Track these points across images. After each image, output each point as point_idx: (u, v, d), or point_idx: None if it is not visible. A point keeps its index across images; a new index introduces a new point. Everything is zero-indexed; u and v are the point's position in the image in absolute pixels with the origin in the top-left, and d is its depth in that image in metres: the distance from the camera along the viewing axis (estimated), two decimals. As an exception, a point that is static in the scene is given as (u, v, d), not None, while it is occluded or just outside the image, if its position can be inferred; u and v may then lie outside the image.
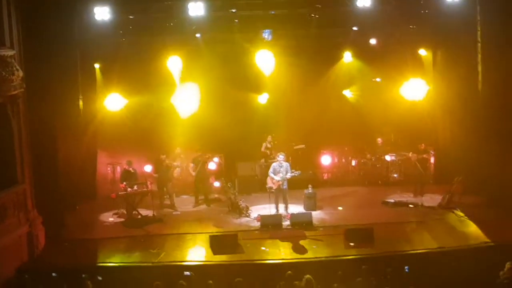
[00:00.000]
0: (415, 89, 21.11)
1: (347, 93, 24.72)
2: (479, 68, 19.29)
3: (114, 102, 21.75)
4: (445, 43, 21.40)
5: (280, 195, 18.89)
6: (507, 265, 12.77)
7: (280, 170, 18.70)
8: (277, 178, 18.65)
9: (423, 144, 20.88)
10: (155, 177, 21.02)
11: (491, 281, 12.36)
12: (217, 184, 22.38)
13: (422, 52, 22.98)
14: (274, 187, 18.74)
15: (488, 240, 16.08)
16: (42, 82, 17.17)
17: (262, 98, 24.67)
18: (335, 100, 24.39)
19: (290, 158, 21.97)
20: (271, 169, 19.02)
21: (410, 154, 21.05)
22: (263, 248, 16.58)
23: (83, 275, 13.63)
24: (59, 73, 18.06)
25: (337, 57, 24.15)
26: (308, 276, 12.78)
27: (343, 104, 24.41)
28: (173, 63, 23.00)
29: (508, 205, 18.00)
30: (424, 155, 20.79)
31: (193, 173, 21.05)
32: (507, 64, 17.56)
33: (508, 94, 17.98)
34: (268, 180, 18.97)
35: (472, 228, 17.21)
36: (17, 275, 14.96)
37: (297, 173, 18.89)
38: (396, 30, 22.39)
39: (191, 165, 21.28)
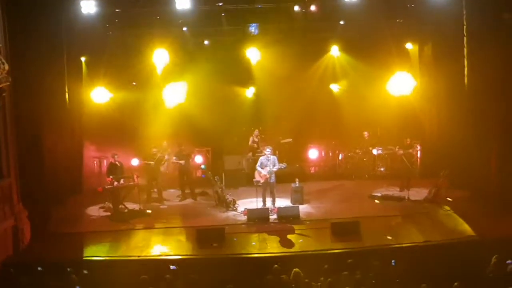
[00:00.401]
0: (402, 84, 21.12)
1: (334, 87, 24.79)
2: (465, 62, 19.34)
3: (100, 95, 21.73)
4: (432, 37, 21.49)
5: (267, 188, 18.87)
6: (493, 259, 12.85)
7: (267, 164, 18.67)
8: (264, 172, 18.63)
9: (408, 139, 20.91)
10: (144, 171, 20.93)
11: (477, 275, 12.40)
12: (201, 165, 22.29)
13: (409, 46, 23.06)
14: (262, 180, 18.73)
15: (473, 234, 16.15)
16: (28, 76, 17.07)
17: (249, 92, 24.71)
18: (322, 94, 24.44)
19: (277, 152, 22.00)
20: (258, 163, 19.00)
21: (396, 149, 21.07)
22: (254, 243, 16.55)
23: (69, 269, 13.58)
24: (45, 67, 17.96)
25: (324, 51, 24.22)
26: (296, 269, 12.83)
27: (330, 98, 24.47)
28: (159, 56, 22.98)
29: (493, 200, 18.09)
30: (410, 150, 20.80)
31: (181, 162, 20.92)
32: (493, 58, 17.60)
33: (494, 88, 18.02)
34: (256, 174, 18.95)
35: (458, 222, 17.25)
36: (2, 268, 14.84)
37: (283, 166, 18.85)
38: (383, 24, 22.41)
39: (174, 158, 21.26)
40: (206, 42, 23.67)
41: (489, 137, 18.54)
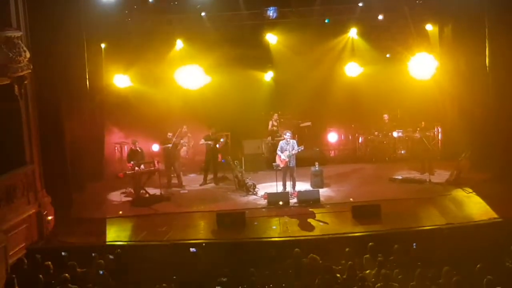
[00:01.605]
0: (423, 66, 20.98)
1: (353, 70, 24.61)
2: (487, 43, 19.16)
3: (120, 81, 21.82)
4: (452, 17, 21.26)
5: (287, 173, 18.90)
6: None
7: (287, 148, 18.67)
8: (283, 156, 18.65)
9: (423, 122, 20.78)
10: (163, 156, 21.03)
11: (500, 256, 12.35)
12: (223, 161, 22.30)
13: (429, 27, 22.85)
14: (282, 165, 18.75)
15: (496, 216, 16.04)
16: (49, 63, 17.14)
17: (268, 76, 24.67)
18: (340, 77, 24.31)
19: (296, 136, 22.00)
20: (278, 147, 19.02)
21: (416, 134, 20.98)
22: (274, 227, 16.60)
23: (93, 254, 13.73)
24: (66, 54, 18.04)
25: (343, 34, 24.08)
26: (312, 254, 12.84)
27: (349, 81, 24.34)
28: (180, 42, 23.08)
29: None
30: (427, 133, 20.64)
31: (209, 142, 20.92)
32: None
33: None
34: (276, 158, 18.98)
35: (480, 204, 17.16)
36: (27, 254, 15.05)
37: (300, 148, 18.78)
38: (402, 5, 22.26)
39: (202, 140, 21.24)
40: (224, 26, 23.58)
41: (511, 118, 18.37)
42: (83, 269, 13.15)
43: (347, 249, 13.25)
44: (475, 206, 17.10)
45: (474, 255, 12.09)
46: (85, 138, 19.95)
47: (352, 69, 23.71)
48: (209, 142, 20.98)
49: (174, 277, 12.50)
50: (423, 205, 17.65)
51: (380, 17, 23.04)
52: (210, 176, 21.22)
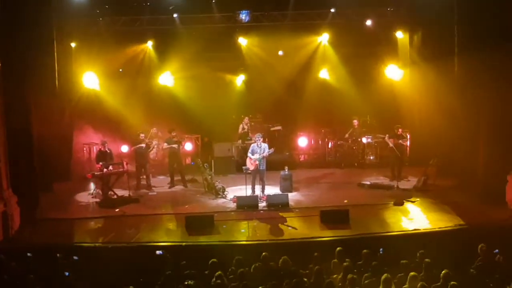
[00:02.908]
0: (392, 72, 21.11)
1: (324, 74, 24.78)
2: (456, 51, 19.38)
3: (90, 81, 21.67)
4: (422, 26, 21.49)
5: (257, 176, 18.92)
6: (480, 247, 12.95)
7: (258, 151, 18.70)
8: (253, 157, 18.66)
9: (400, 129, 20.93)
10: (133, 157, 20.89)
11: (465, 263, 12.49)
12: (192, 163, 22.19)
13: (399, 34, 23.06)
14: (252, 167, 18.76)
15: (461, 222, 16.21)
16: (18, 61, 16.96)
17: (239, 79, 24.70)
18: (312, 81, 24.45)
19: (267, 140, 22.05)
20: (249, 150, 19.03)
21: (386, 138, 21.06)
22: (243, 230, 16.57)
23: (58, 255, 13.58)
24: (35, 53, 17.87)
25: (315, 39, 24.20)
26: (284, 257, 12.88)
27: (320, 85, 24.47)
28: (150, 44, 23.01)
29: (480, 188, 18.20)
30: (400, 141, 20.81)
31: (174, 146, 20.78)
32: (484, 48, 17.62)
33: (483, 78, 18.07)
34: (247, 161, 18.98)
35: (446, 211, 17.32)
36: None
37: (270, 151, 18.78)
38: (373, 12, 22.43)
39: (165, 144, 21.16)
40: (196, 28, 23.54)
41: (477, 127, 18.58)
42: (48, 270, 13.01)
43: (315, 254, 13.28)
44: (441, 213, 17.24)
45: (439, 261, 12.20)
46: (53, 138, 19.77)
47: (324, 74, 23.84)
48: (174, 145, 20.86)
49: (141, 279, 12.41)
50: (391, 211, 17.76)
51: (369, 22, 23.05)
52: (177, 178, 21.13)
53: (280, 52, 24.89)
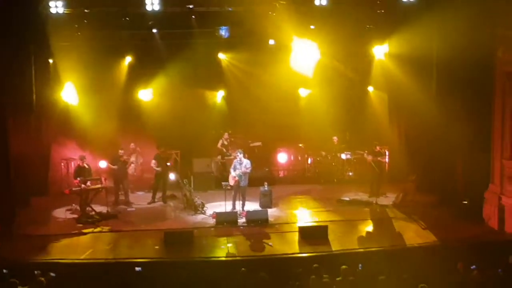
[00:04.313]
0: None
1: (303, 91, 24.84)
2: (434, 69, 19.56)
3: (68, 96, 21.54)
4: (399, 41, 21.58)
5: (238, 192, 18.91)
6: (459, 265, 13.05)
7: (239, 168, 18.72)
8: (234, 173, 18.66)
9: (377, 146, 21.02)
10: (111, 173, 20.78)
11: (442, 279, 12.54)
12: (172, 177, 22.08)
13: (377, 50, 23.09)
14: (232, 183, 18.75)
15: (439, 239, 16.31)
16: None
17: (219, 95, 24.69)
18: (291, 98, 24.50)
19: (246, 155, 21.99)
20: (232, 166, 19.07)
21: (365, 155, 21.15)
22: (222, 246, 16.51)
23: (36, 272, 13.43)
24: (12, 68, 17.78)
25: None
26: (262, 273, 12.86)
27: (299, 102, 24.53)
28: (129, 59, 23.02)
29: (458, 204, 18.35)
30: (379, 158, 20.90)
31: (158, 169, 20.77)
32: (461, 64, 17.80)
33: (461, 94, 18.27)
34: (230, 177, 18.99)
35: (424, 227, 17.42)
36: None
37: (248, 167, 18.82)
38: (353, 29, 22.53)
39: (153, 161, 21.05)
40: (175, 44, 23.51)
41: (456, 143, 18.74)
42: (25, 286, 12.87)
43: (294, 270, 13.26)
44: (419, 229, 17.34)
45: (418, 277, 12.24)
46: (30, 153, 19.63)
47: (303, 91, 23.92)
48: (158, 169, 20.77)
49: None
50: (370, 227, 17.84)
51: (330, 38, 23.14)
52: (158, 195, 21.06)
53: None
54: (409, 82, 20.64)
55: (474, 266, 12.98)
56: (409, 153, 21.26)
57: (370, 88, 23.90)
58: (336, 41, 22.38)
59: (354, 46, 22.97)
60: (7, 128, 17.85)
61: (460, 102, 18.29)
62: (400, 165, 21.79)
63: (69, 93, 21.57)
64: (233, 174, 18.69)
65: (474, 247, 15.15)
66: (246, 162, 18.83)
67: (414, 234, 16.90)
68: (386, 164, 22.41)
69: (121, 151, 20.66)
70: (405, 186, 19.91)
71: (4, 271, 13.78)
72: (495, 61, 17.32)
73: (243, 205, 19.03)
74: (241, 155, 18.96)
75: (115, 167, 20.40)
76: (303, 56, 20.60)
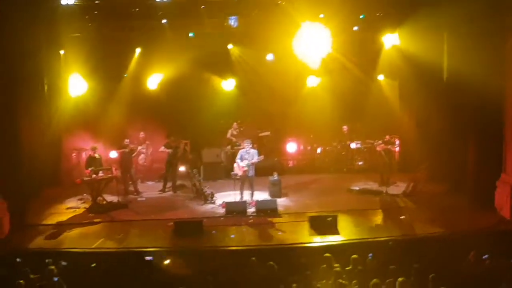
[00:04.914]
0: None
1: (313, 80, 24.75)
2: (445, 57, 19.46)
3: (78, 87, 21.61)
4: (410, 29, 21.50)
5: (245, 182, 18.93)
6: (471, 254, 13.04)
7: (246, 157, 18.70)
8: (242, 163, 18.67)
9: (387, 136, 20.99)
10: (118, 162, 20.88)
11: (453, 269, 12.54)
12: (182, 169, 22.17)
13: (387, 39, 23.02)
14: (240, 173, 18.76)
15: (451, 228, 16.25)
16: (6, 69, 16.93)
17: (228, 85, 24.66)
18: (301, 87, 24.46)
19: (255, 145, 22.00)
20: (238, 156, 19.03)
21: (375, 144, 21.12)
22: (232, 236, 16.54)
23: (47, 260, 13.55)
24: (24, 59, 17.82)
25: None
26: (270, 262, 12.90)
27: (309, 91, 24.48)
28: (139, 49, 23.07)
29: (470, 193, 18.29)
30: (389, 147, 20.88)
31: (168, 150, 20.85)
32: (473, 52, 17.70)
33: (472, 82, 18.14)
34: (235, 167, 18.98)
35: (435, 216, 17.37)
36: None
37: (260, 158, 18.82)
38: (362, 18, 22.46)
39: (162, 147, 21.14)
40: (191, 34, 23.49)
41: (467, 131, 18.67)
42: (37, 275, 12.98)
43: (303, 259, 13.29)
44: (430, 218, 17.30)
45: (429, 266, 12.24)
46: (42, 144, 19.71)
47: (312, 80, 23.85)
48: (169, 150, 20.90)
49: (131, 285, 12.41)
50: (380, 216, 17.84)
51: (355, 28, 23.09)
52: (169, 184, 21.14)
53: (270, 56, 24.77)
54: (420, 70, 20.58)
55: (486, 256, 12.96)
56: (420, 142, 21.17)
57: (380, 77, 23.77)
58: (346, 30, 22.36)
59: (364, 35, 22.89)
60: (19, 119, 17.91)
61: (472, 89, 18.18)
62: (411, 154, 21.76)
63: (79, 84, 21.64)
64: (241, 164, 18.68)
65: (486, 236, 15.08)
66: (254, 152, 18.83)
67: (424, 224, 16.84)
68: (396, 153, 22.38)
69: (126, 140, 20.74)
70: (416, 175, 19.86)
71: (17, 259, 13.93)
72: (506, 50, 17.21)
73: (252, 194, 19.04)
74: (248, 145, 18.94)
75: (126, 149, 20.48)
76: (312, 45, 20.54)
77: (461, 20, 17.94)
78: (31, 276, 12.82)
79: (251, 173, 18.78)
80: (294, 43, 19.25)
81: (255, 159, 18.60)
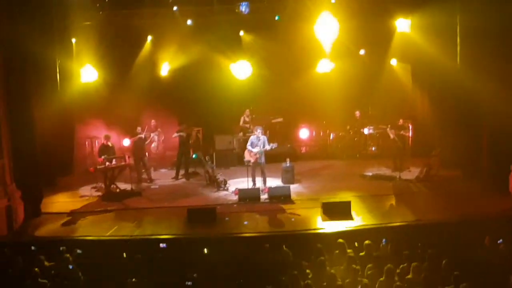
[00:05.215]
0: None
1: (325, 66, 24.59)
2: (458, 40, 19.31)
3: (90, 75, 21.67)
4: (423, 13, 21.37)
5: (257, 169, 18.92)
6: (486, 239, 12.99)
7: (257, 144, 18.68)
8: (254, 150, 18.66)
9: (401, 120, 20.90)
10: (131, 151, 20.93)
11: (468, 254, 12.49)
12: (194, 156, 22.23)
13: (400, 23, 22.87)
14: (252, 160, 18.76)
15: (465, 213, 16.18)
16: (19, 57, 16.98)
17: (240, 72, 24.57)
18: (313, 73, 24.35)
19: (268, 132, 22.02)
20: (248, 143, 19.01)
21: (388, 129, 21.05)
22: (245, 222, 16.57)
23: (62, 248, 13.63)
24: (36, 48, 17.82)
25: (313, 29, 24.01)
26: (285, 248, 12.92)
27: (321, 77, 24.38)
28: (150, 37, 23.11)
29: (483, 179, 18.19)
30: (402, 132, 20.80)
31: (182, 134, 20.85)
32: (486, 35, 17.56)
33: (486, 66, 18.00)
34: (246, 153, 18.97)
35: (449, 201, 17.31)
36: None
37: (274, 145, 18.84)
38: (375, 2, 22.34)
39: (175, 134, 21.18)
40: (189, 22, 23.42)
41: (480, 116, 18.55)
42: (51, 263, 13.08)
43: (318, 245, 13.30)
44: (443, 203, 17.23)
45: (443, 252, 12.21)
46: (55, 133, 19.76)
47: (324, 65, 23.75)
48: (181, 133, 20.91)
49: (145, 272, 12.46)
50: (393, 202, 17.79)
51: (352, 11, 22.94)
52: (181, 172, 21.18)
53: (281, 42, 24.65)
54: (433, 54, 20.43)
55: (501, 240, 12.92)
56: (433, 126, 21.06)
57: (393, 61, 23.62)
58: (358, 14, 22.27)
59: (376, 19, 22.76)
60: (32, 108, 17.97)
61: (486, 73, 18.03)
62: (424, 139, 21.66)
63: (91, 72, 21.69)
64: (254, 151, 18.67)
65: (501, 221, 14.99)
66: (264, 139, 18.80)
67: (438, 209, 16.77)
68: (410, 138, 22.28)
69: (139, 128, 20.78)
70: (429, 160, 19.78)
71: (32, 248, 14.04)
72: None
73: (265, 181, 19.04)
74: (259, 132, 18.92)
75: (141, 135, 20.54)
76: (324, 30, 20.46)
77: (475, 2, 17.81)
78: (46, 264, 12.92)
79: (262, 159, 18.77)
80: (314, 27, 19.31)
81: (267, 146, 18.59)
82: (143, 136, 20.68)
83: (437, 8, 19.31)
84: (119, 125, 22.56)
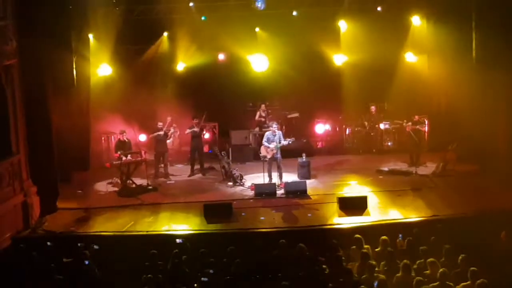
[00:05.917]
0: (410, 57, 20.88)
1: (341, 61, 24.50)
2: (473, 35, 19.20)
3: (105, 70, 21.74)
4: (440, 8, 21.27)
5: (273, 164, 18.91)
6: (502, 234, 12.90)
7: (273, 139, 18.67)
8: (271, 146, 18.64)
9: (416, 116, 20.84)
10: (152, 145, 20.94)
11: (484, 248, 12.42)
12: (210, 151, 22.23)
13: (416, 18, 22.78)
14: (268, 156, 18.75)
15: (481, 208, 16.09)
16: (35, 52, 17.00)
17: (255, 66, 24.52)
18: (329, 68, 24.28)
19: (284, 127, 21.97)
20: (264, 138, 19.01)
21: (404, 124, 20.98)
22: (261, 218, 16.57)
23: (79, 244, 13.69)
24: (53, 43, 17.85)
25: (332, 25, 23.96)
26: (300, 244, 12.90)
27: (337, 72, 24.29)
28: (166, 33, 23.15)
29: (500, 173, 18.07)
30: (418, 127, 20.70)
31: (195, 129, 20.87)
32: (501, 29, 17.44)
33: (502, 60, 17.89)
34: (262, 149, 18.97)
35: (466, 196, 17.22)
36: (12, 244, 15.00)
37: (291, 140, 18.87)
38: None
39: (187, 130, 21.19)
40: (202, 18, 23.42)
41: (497, 110, 18.44)
42: (69, 259, 13.14)
43: (334, 241, 13.29)
44: (460, 198, 17.15)
45: (459, 247, 12.15)
46: (71, 128, 19.79)
47: (338, 59, 23.71)
48: (194, 129, 20.90)
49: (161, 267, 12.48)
50: (410, 197, 17.72)
51: (379, 8, 22.90)
52: (196, 167, 21.19)
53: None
54: (449, 49, 20.33)
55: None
56: (449, 121, 20.97)
57: (409, 56, 23.47)
58: (373, 9, 22.19)
59: (392, 12, 22.67)
60: (48, 104, 18.02)
61: (502, 66, 17.90)
62: (440, 133, 21.56)
63: (108, 68, 21.75)
64: (271, 146, 18.65)
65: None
66: (279, 134, 18.82)
67: (455, 204, 16.70)
68: (426, 133, 22.18)
69: (160, 124, 20.79)
70: (446, 155, 19.69)
71: (48, 243, 14.10)
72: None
73: (281, 176, 19.03)
74: (275, 127, 18.89)
75: (160, 133, 20.55)
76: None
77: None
78: (63, 259, 12.98)
79: (278, 154, 18.75)
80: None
81: (284, 141, 18.57)
82: (162, 132, 20.66)
83: (453, 1, 19.22)
84: (135, 121, 22.60)
